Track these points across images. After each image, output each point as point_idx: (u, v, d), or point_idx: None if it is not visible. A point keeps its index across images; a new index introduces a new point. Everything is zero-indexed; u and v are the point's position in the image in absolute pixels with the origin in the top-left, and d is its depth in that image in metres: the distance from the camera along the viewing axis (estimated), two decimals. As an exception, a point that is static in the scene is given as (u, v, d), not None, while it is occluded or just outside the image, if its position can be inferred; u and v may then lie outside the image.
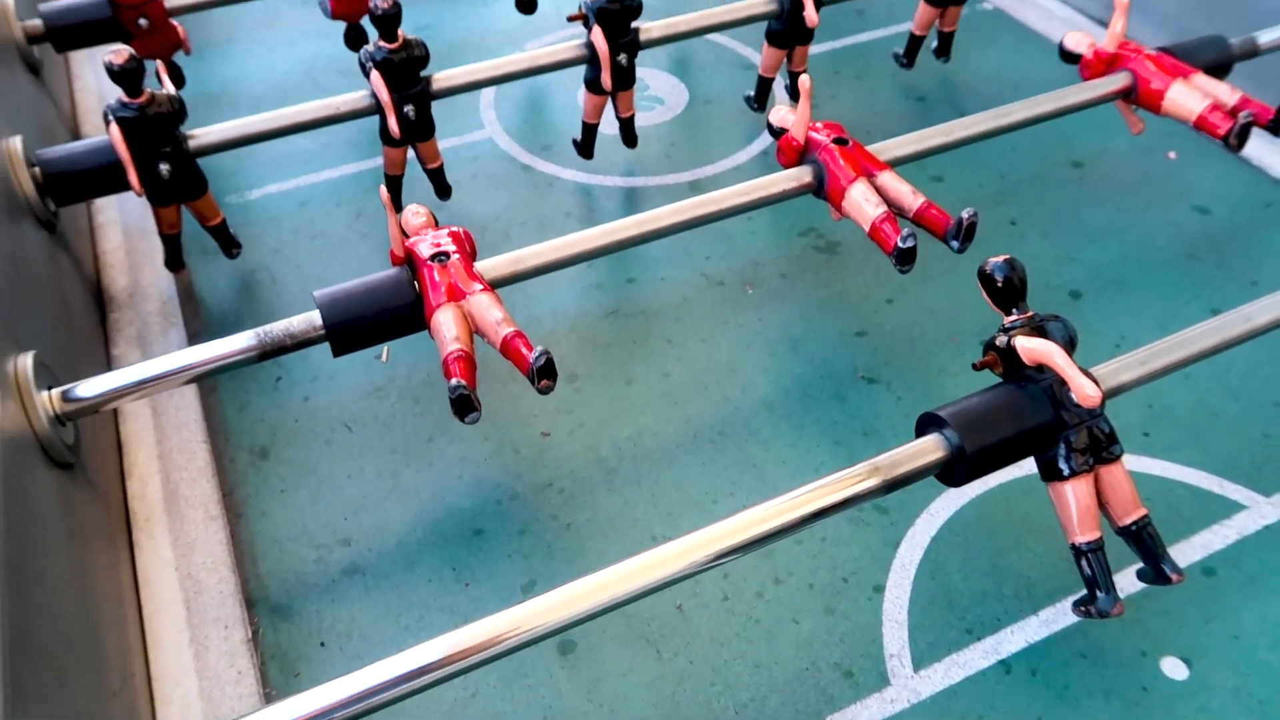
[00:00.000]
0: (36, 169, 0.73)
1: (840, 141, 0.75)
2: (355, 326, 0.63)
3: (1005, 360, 0.56)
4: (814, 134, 0.76)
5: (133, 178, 0.75)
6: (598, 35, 0.86)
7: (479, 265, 0.67)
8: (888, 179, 0.74)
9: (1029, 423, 0.53)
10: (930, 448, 0.53)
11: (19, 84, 0.84)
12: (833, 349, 0.81)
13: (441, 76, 0.85)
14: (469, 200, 0.96)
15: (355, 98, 0.84)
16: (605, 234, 0.70)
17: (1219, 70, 0.85)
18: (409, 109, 0.83)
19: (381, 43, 0.81)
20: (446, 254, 0.65)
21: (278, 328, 0.63)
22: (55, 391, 0.58)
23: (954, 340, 0.81)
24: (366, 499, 0.70)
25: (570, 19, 0.88)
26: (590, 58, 0.89)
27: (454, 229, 0.68)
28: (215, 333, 0.83)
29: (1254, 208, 0.95)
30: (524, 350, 0.60)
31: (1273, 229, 0.93)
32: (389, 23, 0.80)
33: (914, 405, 0.76)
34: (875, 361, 0.80)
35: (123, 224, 0.91)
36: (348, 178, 0.99)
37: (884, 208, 0.72)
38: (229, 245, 0.86)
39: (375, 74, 0.81)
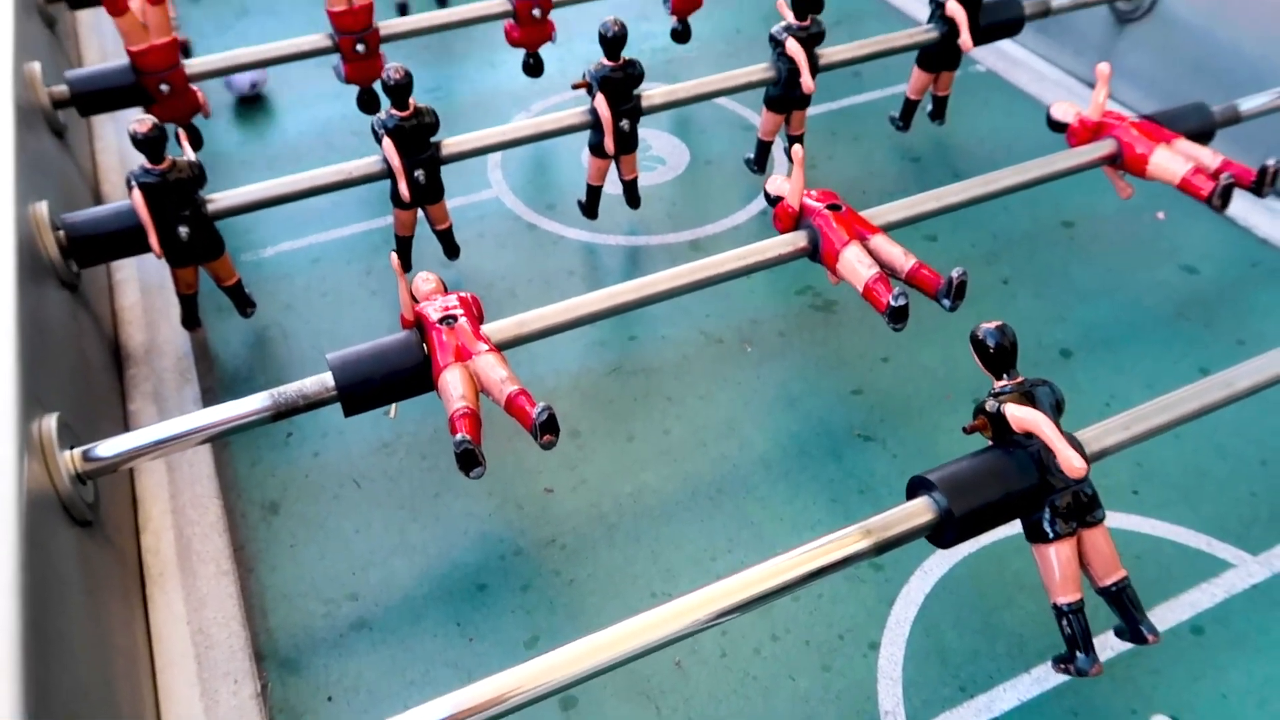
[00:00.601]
0: (61, 232, 0.76)
1: (834, 208, 0.77)
2: (366, 388, 0.66)
3: (995, 425, 0.58)
4: (809, 201, 0.79)
5: (153, 241, 0.78)
6: (601, 103, 0.90)
7: (487, 328, 0.69)
8: (880, 242, 0.76)
9: (1016, 487, 0.55)
10: (920, 510, 0.55)
11: (45, 148, 0.88)
12: (829, 406, 0.83)
13: (451, 142, 0.88)
14: (476, 258, 0.98)
15: (367, 163, 0.87)
16: (606, 298, 0.72)
17: (1202, 136, 0.88)
18: (419, 174, 0.86)
19: (394, 111, 0.84)
20: (454, 317, 0.67)
21: (291, 389, 0.65)
22: (76, 451, 0.60)
23: (948, 398, 0.84)
24: (374, 554, 0.72)
25: (575, 87, 0.91)
26: (594, 124, 0.92)
27: (462, 294, 0.70)
28: (228, 389, 0.85)
29: (1240, 267, 0.98)
30: (527, 407, 0.63)
31: (1259, 288, 0.95)
32: (401, 92, 0.83)
33: (909, 463, 0.78)
34: (871, 419, 0.82)
35: (140, 281, 0.94)
36: (358, 236, 1.02)
37: (876, 269, 0.75)
38: (244, 305, 0.88)
39: (387, 140, 0.84)
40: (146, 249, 0.79)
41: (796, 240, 0.77)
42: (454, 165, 0.94)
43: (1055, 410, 0.59)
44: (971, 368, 0.63)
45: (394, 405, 0.82)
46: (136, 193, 0.76)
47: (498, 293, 0.95)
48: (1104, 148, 0.85)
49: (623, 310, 0.73)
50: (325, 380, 0.66)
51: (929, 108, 1.12)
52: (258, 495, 0.76)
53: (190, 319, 0.87)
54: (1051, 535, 0.55)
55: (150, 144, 0.76)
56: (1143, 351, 0.88)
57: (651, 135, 1.15)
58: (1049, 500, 0.55)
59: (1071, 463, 0.53)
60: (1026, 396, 0.59)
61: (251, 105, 1.21)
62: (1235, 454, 0.78)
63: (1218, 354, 0.87)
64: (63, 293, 0.76)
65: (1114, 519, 0.73)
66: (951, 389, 0.84)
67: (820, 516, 0.74)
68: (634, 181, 0.98)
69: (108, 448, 0.61)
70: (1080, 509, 0.56)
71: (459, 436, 0.62)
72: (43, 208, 0.75)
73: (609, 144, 0.91)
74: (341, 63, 1.05)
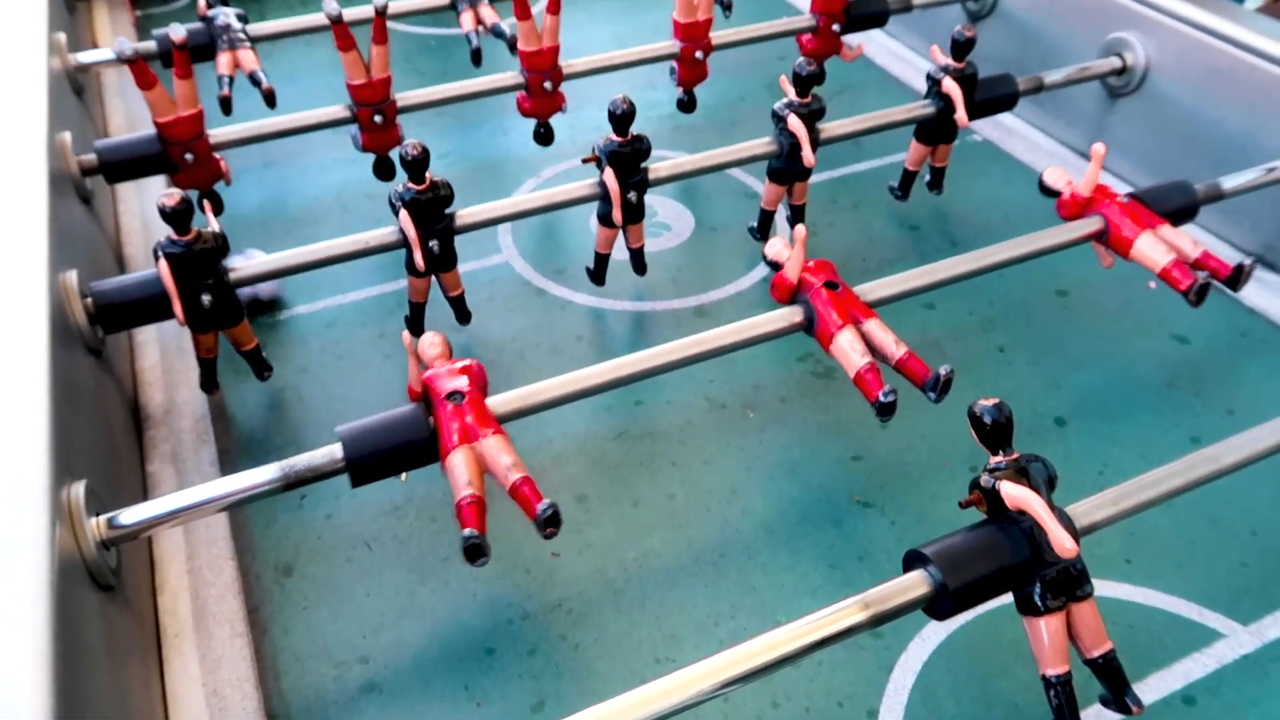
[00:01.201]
0: (89, 300, 0.79)
1: (831, 285, 0.80)
2: (374, 460, 0.68)
3: (990, 500, 0.60)
4: (807, 274, 0.81)
5: (178, 310, 0.81)
6: (609, 176, 0.93)
7: (493, 400, 0.72)
8: (873, 327, 0.79)
9: (1008, 563, 0.57)
10: (916, 583, 0.57)
11: (74, 216, 0.91)
12: (829, 472, 0.85)
13: (465, 213, 0.92)
14: (487, 323, 1.01)
15: (384, 233, 0.90)
16: (610, 370, 0.75)
17: (1186, 213, 0.91)
18: (434, 244, 0.89)
19: (410, 184, 0.87)
20: (461, 393, 0.69)
21: (301, 461, 0.67)
22: (102, 518, 0.62)
23: (945, 465, 0.86)
24: (384, 616, 0.74)
25: (585, 161, 0.95)
26: (603, 195, 0.95)
27: (468, 363, 0.72)
28: (245, 450, 0.88)
29: (1230, 336, 1.00)
30: (531, 499, 0.65)
31: (1248, 358, 0.98)
32: (418, 167, 0.86)
33: (907, 530, 0.80)
34: (870, 486, 0.84)
35: (160, 343, 0.97)
36: (372, 299, 1.05)
37: (869, 357, 0.77)
38: (261, 369, 0.91)
39: (404, 213, 0.87)
40: (170, 315, 0.82)
41: (793, 315, 0.80)
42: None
43: (1048, 486, 0.61)
44: (967, 434, 0.65)
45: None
46: (163, 263, 0.80)
47: (507, 356, 0.97)
48: (1092, 225, 0.88)
49: (626, 382, 0.76)
50: (334, 452, 0.68)
51: (927, 177, 1.16)
52: (272, 557, 0.78)
53: (209, 382, 0.90)
54: (1042, 609, 0.57)
55: (177, 217, 0.79)
56: (1135, 421, 0.90)
57: (657, 201, 1.19)
58: (1040, 575, 0.57)
59: (1063, 544, 0.55)
60: (1021, 473, 0.61)
61: (267, 309, 1.24)
62: (1226, 524, 0.80)
63: (1208, 424, 0.89)
64: (89, 358, 0.79)
65: (1107, 588, 0.75)
66: (948, 456, 0.86)
67: (820, 583, 0.76)
68: (640, 250, 1.01)
69: (131, 515, 0.63)
70: (1070, 583, 0.58)
71: (467, 531, 0.64)
72: (72, 276, 0.78)
73: (616, 215, 0.95)
74: (359, 132, 1.09)
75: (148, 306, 0.82)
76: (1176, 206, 0.90)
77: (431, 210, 0.88)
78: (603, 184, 0.94)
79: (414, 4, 1.32)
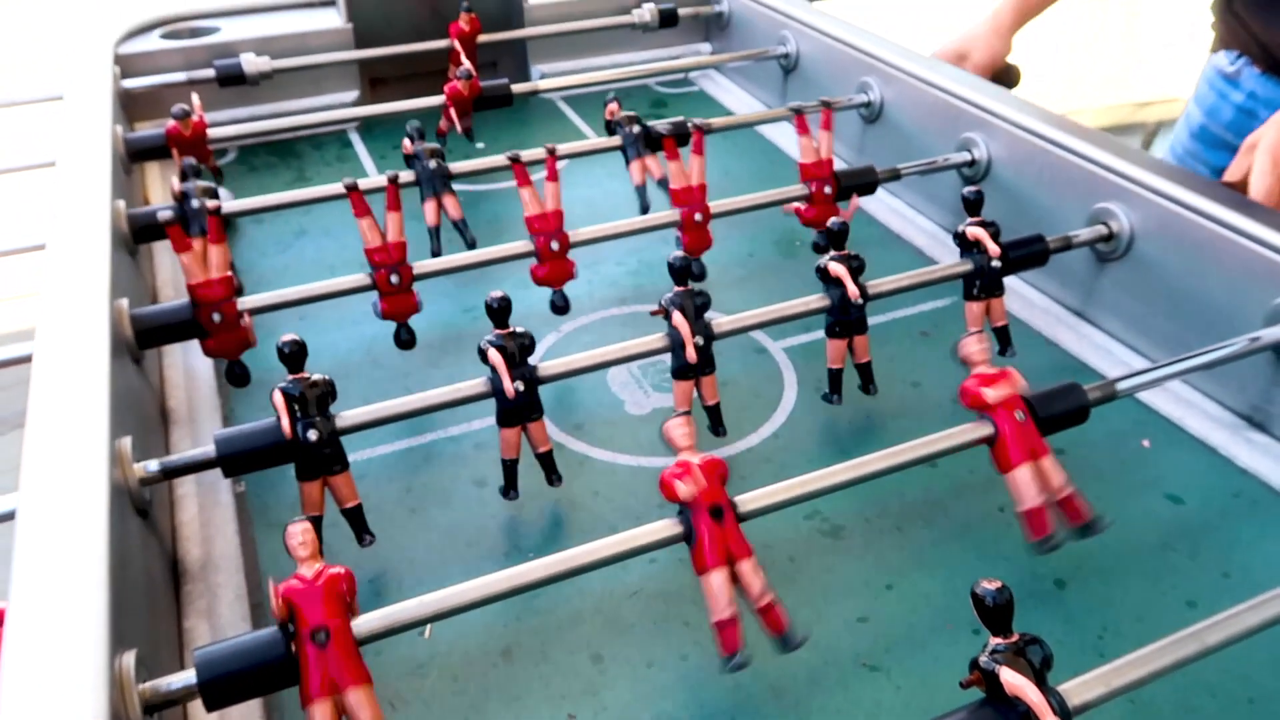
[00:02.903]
0: (141, 465, 0.85)
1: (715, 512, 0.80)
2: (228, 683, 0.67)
3: (988, 681, 0.64)
4: (989, 391, 0.89)
5: (286, 426, 0.87)
6: (680, 319, 0.99)
7: (552, 559, 0.75)
8: (1049, 464, 0.88)
9: (1005, 745, 0.60)
10: (917, 766, 0.60)
11: (129, 380, 0.97)
12: (836, 634, 0.88)
13: (545, 366, 0.98)
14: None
15: (477, 383, 0.96)
16: (626, 540, 0.79)
17: (1078, 417, 0.94)
18: (519, 385, 0.95)
19: (497, 331, 0.95)
20: (325, 633, 0.67)
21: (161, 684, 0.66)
22: (148, 685, 0.66)
23: (949, 628, 0.89)
24: (406, 779, 0.76)
25: (652, 314, 1.03)
26: (674, 346, 1.01)
27: (334, 571, 0.69)
28: (275, 606, 0.92)
29: (1224, 497, 1.04)
30: None
31: (1242, 519, 1.01)
32: (503, 315, 0.95)
33: (913, 694, 0.83)
34: (876, 648, 0.87)
35: (199, 496, 1.02)
36: (398, 454, 1.10)
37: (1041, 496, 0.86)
38: (362, 531, 0.94)
39: (493, 353, 0.94)
40: (201, 469, 0.87)
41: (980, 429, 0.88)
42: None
43: (1044, 666, 0.64)
44: (969, 596, 0.68)
45: (429, 625, 0.89)
46: (278, 394, 0.87)
47: (528, 512, 1.02)
48: (983, 430, 0.90)
49: (644, 551, 0.80)
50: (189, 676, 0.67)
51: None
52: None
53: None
54: (1038, 794, 0.60)
55: (293, 358, 0.88)
56: (1132, 584, 0.93)
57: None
58: (1035, 759, 0.60)
59: (1053, 730, 0.58)
60: (1019, 653, 0.64)
61: (304, 324, 1.32)
62: (1224, 692, 0.82)
63: (1204, 586, 0.92)
64: (137, 519, 0.84)
65: (1109, 758, 0.77)
66: (951, 618, 0.89)
67: (829, 750, 0.78)
68: (717, 405, 1.06)
69: (174, 682, 0.67)
70: (1064, 767, 0.61)
71: None
72: (126, 444, 0.84)
73: (690, 354, 1.00)
74: (379, 299, 1.17)
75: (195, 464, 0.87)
76: (1067, 408, 0.93)
77: (521, 356, 0.96)
78: (674, 331, 1.00)
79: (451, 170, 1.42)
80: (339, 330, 1.32)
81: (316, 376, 0.89)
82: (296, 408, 0.88)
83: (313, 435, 0.88)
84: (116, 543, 0.71)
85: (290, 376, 0.89)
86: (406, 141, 1.35)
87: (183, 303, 1.08)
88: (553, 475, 1.01)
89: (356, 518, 0.94)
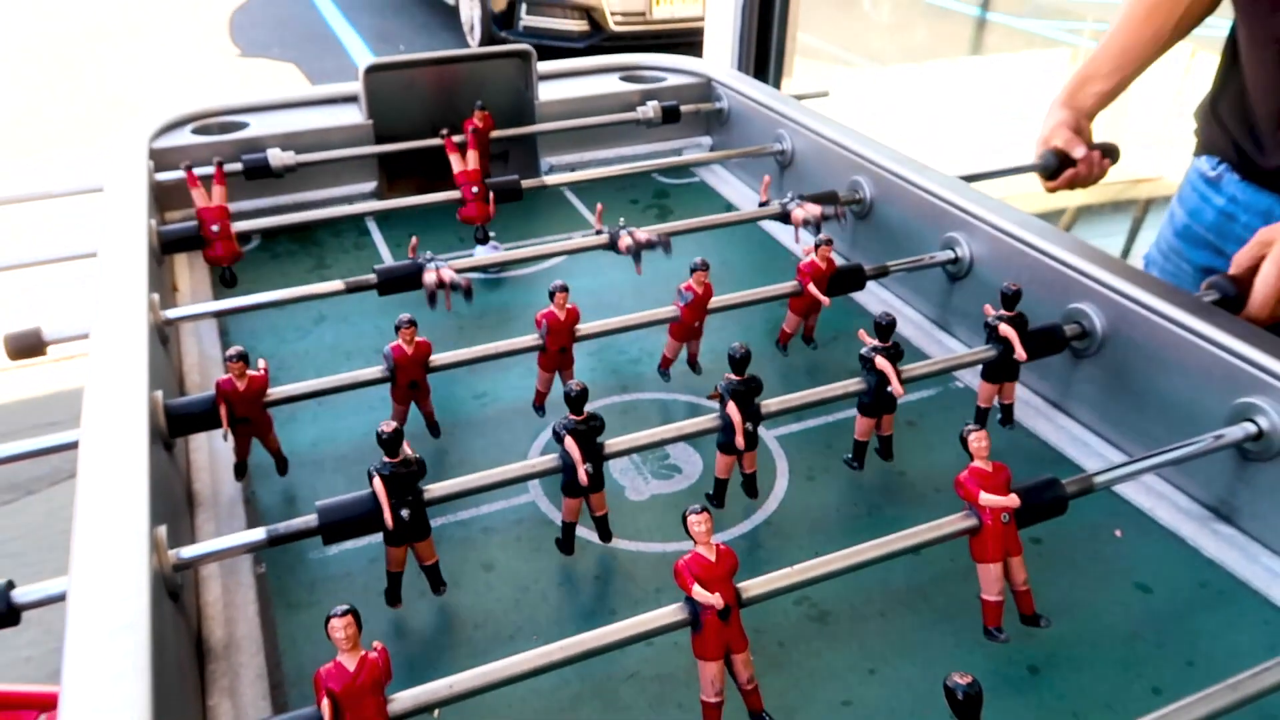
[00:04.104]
0: (174, 553, 0.91)
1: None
2: None
3: (954, 770, 0.70)
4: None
5: (388, 517, 0.96)
6: (733, 409, 1.08)
7: (528, 655, 0.82)
8: (1016, 564, 0.96)
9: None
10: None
11: (161, 469, 1.04)
12: (821, 716, 0.94)
13: (612, 443, 1.07)
14: (513, 561, 1.12)
15: (547, 459, 1.05)
16: (574, 644, 0.84)
17: (1058, 507, 1.00)
18: (587, 467, 1.03)
19: (572, 415, 1.03)
20: None
21: None
22: (182, 766, 0.72)
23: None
24: None
25: (709, 398, 1.10)
26: (724, 426, 1.11)
27: (373, 658, 0.75)
28: (294, 684, 0.97)
29: (1190, 587, 1.10)
30: None
31: (1207, 609, 1.07)
32: (580, 401, 1.02)
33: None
34: (859, 733, 0.92)
35: (221, 578, 1.08)
36: (412, 536, 1.17)
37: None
38: (438, 584, 1.05)
39: (569, 440, 1.02)
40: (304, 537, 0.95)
41: (965, 521, 0.96)
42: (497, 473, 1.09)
43: (1006, 753, 0.70)
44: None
45: (437, 710, 0.94)
46: (378, 480, 0.96)
47: (532, 595, 1.08)
48: (968, 523, 0.97)
49: (651, 636, 0.86)
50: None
51: (998, 415, 1.29)
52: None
53: (394, 596, 1.04)
54: None
55: (390, 443, 0.95)
56: (1101, 672, 0.98)
57: (669, 445, 1.32)
58: (996, 841, 0.66)
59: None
60: (984, 738, 0.70)
61: (324, 409, 1.40)
62: (1185, 778, 0.87)
63: (1169, 675, 0.98)
64: (169, 604, 0.90)
65: (1075, 841, 0.82)
66: (930, 707, 0.95)
67: (812, 830, 0.83)
68: (754, 474, 1.17)
69: (206, 760, 0.73)
70: None
71: None
72: (162, 532, 0.91)
73: (739, 441, 1.10)
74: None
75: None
76: (1048, 501, 0.99)
77: (590, 439, 1.04)
78: (725, 416, 1.10)
79: (464, 262, 1.51)
80: (357, 415, 1.39)
81: (410, 456, 0.97)
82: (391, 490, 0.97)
83: (405, 514, 0.97)
84: (156, 626, 0.77)
85: (386, 459, 0.96)
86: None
87: (209, 394, 1.15)
88: (606, 535, 1.12)
89: (434, 573, 1.04)
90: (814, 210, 1.57)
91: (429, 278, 1.40)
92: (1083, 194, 4.95)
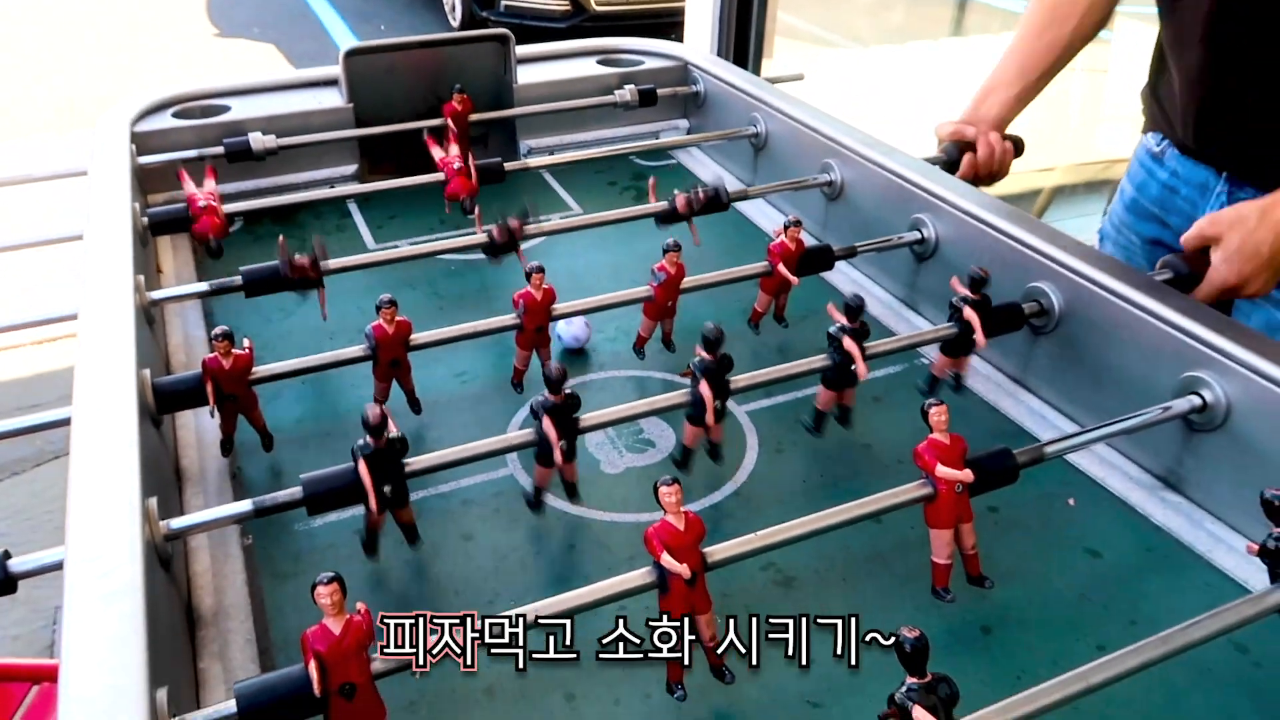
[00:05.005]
0: (165, 524, 0.95)
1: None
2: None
3: (902, 715, 0.75)
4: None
5: (373, 501, 1.00)
6: (704, 387, 1.12)
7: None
8: (966, 530, 1.01)
9: (911, 768, 0.71)
10: (835, 787, 0.70)
11: (152, 443, 1.08)
12: (784, 674, 0.99)
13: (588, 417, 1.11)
14: (492, 533, 1.17)
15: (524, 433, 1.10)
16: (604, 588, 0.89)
17: (1010, 476, 1.05)
18: (563, 444, 1.08)
19: (549, 395, 1.06)
20: (353, 686, 0.78)
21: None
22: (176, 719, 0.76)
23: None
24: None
25: (682, 375, 1.14)
26: (694, 402, 1.15)
27: (356, 617, 0.78)
28: (281, 649, 1.01)
29: (1137, 552, 1.16)
30: None
31: (1152, 572, 1.13)
32: (558, 383, 1.05)
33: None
34: (819, 688, 0.97)
35: (210, 549, 1.12)
36: (394, 509, 1.21)
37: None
38: (413, 538, 1.10)
39: (546, 420, 1.06)
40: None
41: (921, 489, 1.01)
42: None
43: (950, 701, 0.76)
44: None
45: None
46: (362, 464, 0.99)
47: (510, 564, 1.13)
48: (924, 491, 1.02)
49: (620, 598, 0.90)
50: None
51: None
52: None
53: (371, 547, 1.10)
54: (939, 812, 0.71)
55: (376, 428, 0.99)
56: (1049, 631, 1.04)
57: (644, 420, 1.36)
58: (938, 782, 0.71)
59: (954, 766, 0.70)
60: (930, 691, 0.75)
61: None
62: (1123, 727, 0.93)
63: (1113, 634, 1.04)
64: (162, 572, 0.94)
65: (1018, 786, 0.88)
66: (888, 662, 1.00)
67: (773, 778, 0.88)
68: (720, 443, 1.22)
69: (199, 716, 0.77)
70: (962, 790, 0.71)
71: None
72: (153, 503, 0.95)
73: (709, 419, 1.14)
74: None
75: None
76: (1003, 468, 1.04)
77: (566, 414, 1.08)
78: (697, 393, 1.14)
79: (445, 244, 1.55)
80: (340, 395, 1.43)
81: (395, 434, 1.01)
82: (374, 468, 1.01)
83: (387, 490, 1.02)
84: (150, 592, 0.81)
85: (369, 439, 1.00)
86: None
87: (196, 373, 1.18)
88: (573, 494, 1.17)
89: (410, 530, 1.09)
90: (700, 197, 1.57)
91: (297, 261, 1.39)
92: (1059, 174, 5.03)
